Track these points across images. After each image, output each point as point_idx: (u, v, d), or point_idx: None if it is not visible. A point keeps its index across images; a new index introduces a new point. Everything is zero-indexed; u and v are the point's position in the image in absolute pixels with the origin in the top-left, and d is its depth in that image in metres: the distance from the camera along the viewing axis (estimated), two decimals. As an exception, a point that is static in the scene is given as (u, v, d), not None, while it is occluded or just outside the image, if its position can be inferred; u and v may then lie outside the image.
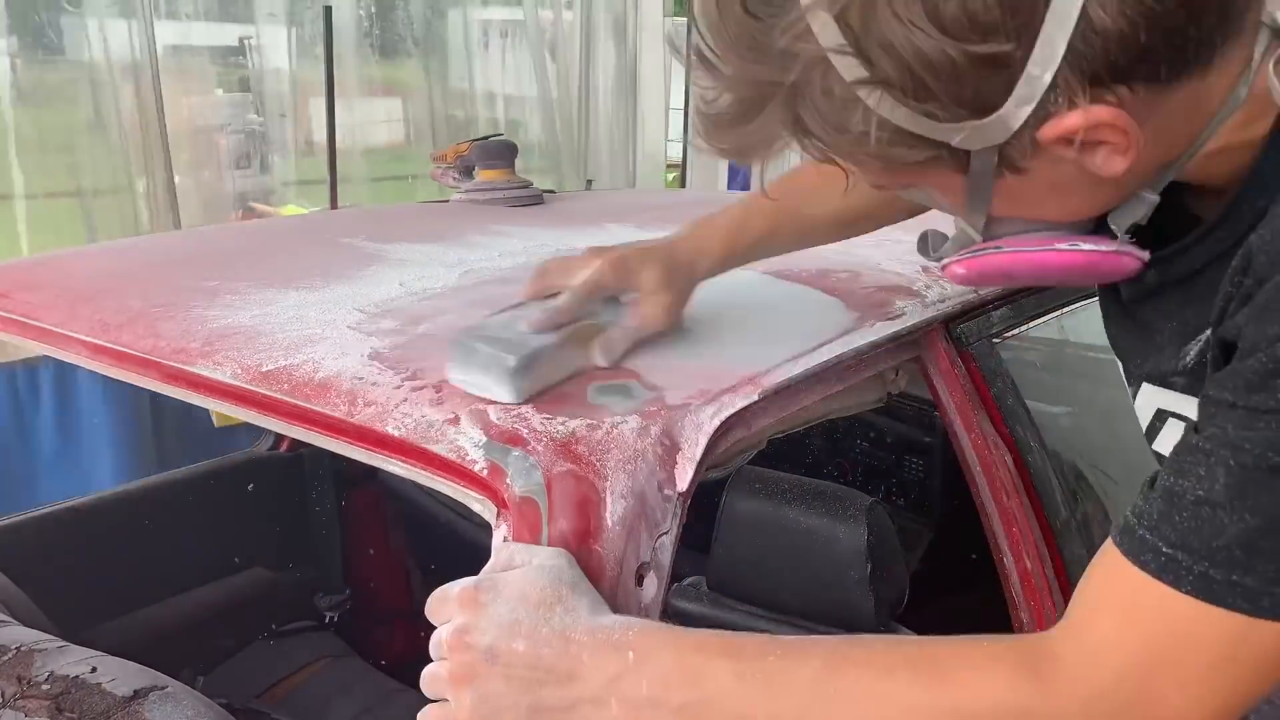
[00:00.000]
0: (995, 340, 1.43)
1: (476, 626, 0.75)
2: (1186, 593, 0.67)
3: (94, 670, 1.05)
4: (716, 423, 0.93)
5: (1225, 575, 0.66)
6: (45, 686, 1.03)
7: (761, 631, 1.47)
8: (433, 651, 0.78)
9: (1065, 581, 1.33)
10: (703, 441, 0.91)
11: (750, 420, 1.00)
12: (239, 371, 1.01)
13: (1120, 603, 0.70)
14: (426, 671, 0.78)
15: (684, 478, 0.89)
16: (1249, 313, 0.69)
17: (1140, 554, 0.69)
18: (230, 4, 3.90)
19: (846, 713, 0.71)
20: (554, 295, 1.01)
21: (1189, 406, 0.82)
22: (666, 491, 0.88)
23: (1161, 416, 0.90)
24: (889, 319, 1.23)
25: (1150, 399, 0.90)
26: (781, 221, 1.13)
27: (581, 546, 0.81)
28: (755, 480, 1.45)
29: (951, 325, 1.35)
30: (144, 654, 1.16)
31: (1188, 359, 0.83)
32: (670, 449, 0.89)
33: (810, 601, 1.41)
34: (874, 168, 0.74)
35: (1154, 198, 0.77)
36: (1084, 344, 1.65)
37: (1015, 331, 1.49)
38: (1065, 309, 1.54)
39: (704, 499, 1.01)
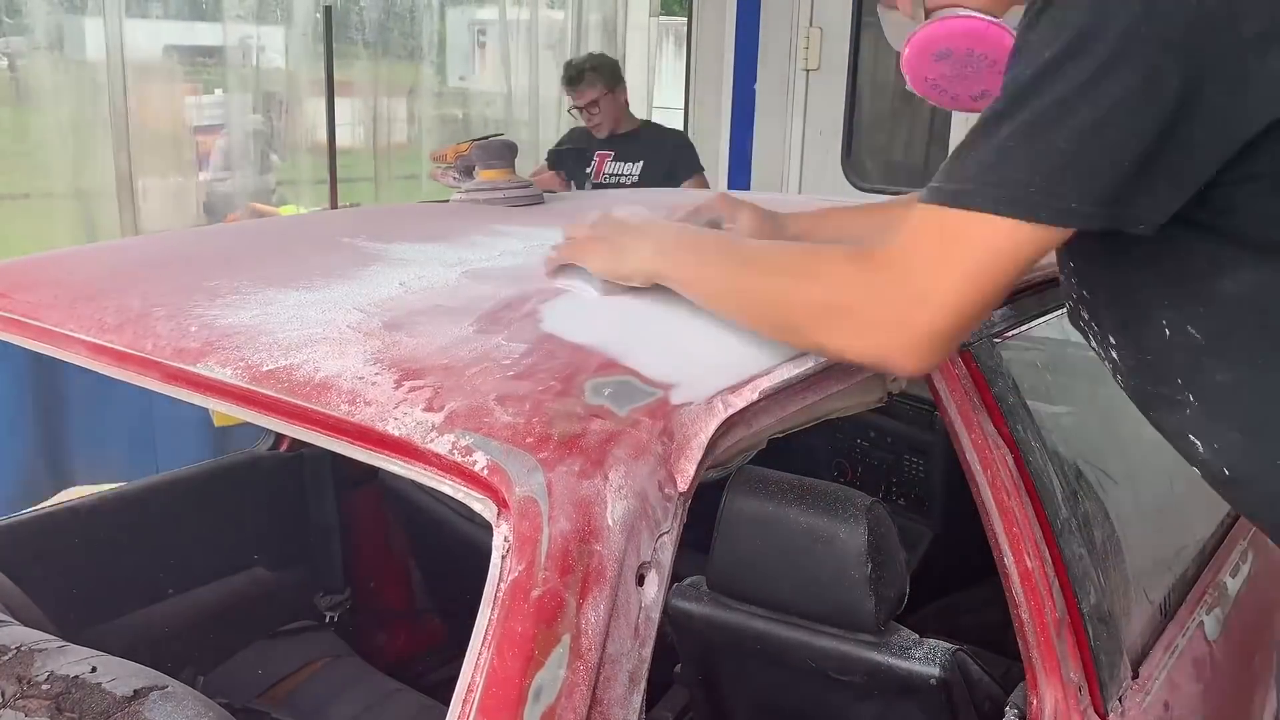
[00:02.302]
0: (995, 340, 1.43)
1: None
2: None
3: (94, 670, 1.05)
4: (717, 422, 0.93)
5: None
6: (45, 686, 1.03)
7: (762, 631, 1.47)
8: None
9: (1066, 580, 1.34)
10: (703, 441, 0.91)
11: (750, 420, 1.00)
12: (239, 371, 1.01)
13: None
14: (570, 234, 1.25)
15: (684, 477, 0.89)
16: None
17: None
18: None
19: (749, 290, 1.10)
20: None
21: None
22: (667, 491, 0.88)
23: None
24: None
25: None
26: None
27: (582, 546, 0.81)
28: (755, 480, 1.45)
29: (952, 325, 1.34)
30: (144, 654, 1.16)
31: None
32: (671, 448, 0.89)
33: (810, 601, 1.41)
34: None
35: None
36: (1085, 343, 1.65)
37: (1015, 331, 1.49)
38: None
39: (704, 499, 1.01)
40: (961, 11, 1.13)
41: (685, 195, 1.89)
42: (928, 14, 1.16)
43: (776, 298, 1.06)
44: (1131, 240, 0.99)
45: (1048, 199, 0.92)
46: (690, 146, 4.24)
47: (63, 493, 2.88)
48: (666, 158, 4.07)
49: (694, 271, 1.12)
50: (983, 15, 1.12)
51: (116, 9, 3.45)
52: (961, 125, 4.45)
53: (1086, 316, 1.20)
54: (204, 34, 3.98)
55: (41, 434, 3.03)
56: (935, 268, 0.96)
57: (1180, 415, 1.12)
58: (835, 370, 1.12)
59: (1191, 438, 1.12)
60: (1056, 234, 0.95)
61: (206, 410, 1.12)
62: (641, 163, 4.06)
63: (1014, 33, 1.02)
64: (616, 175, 4.08)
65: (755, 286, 1.08)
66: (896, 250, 0.99)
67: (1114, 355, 1.17)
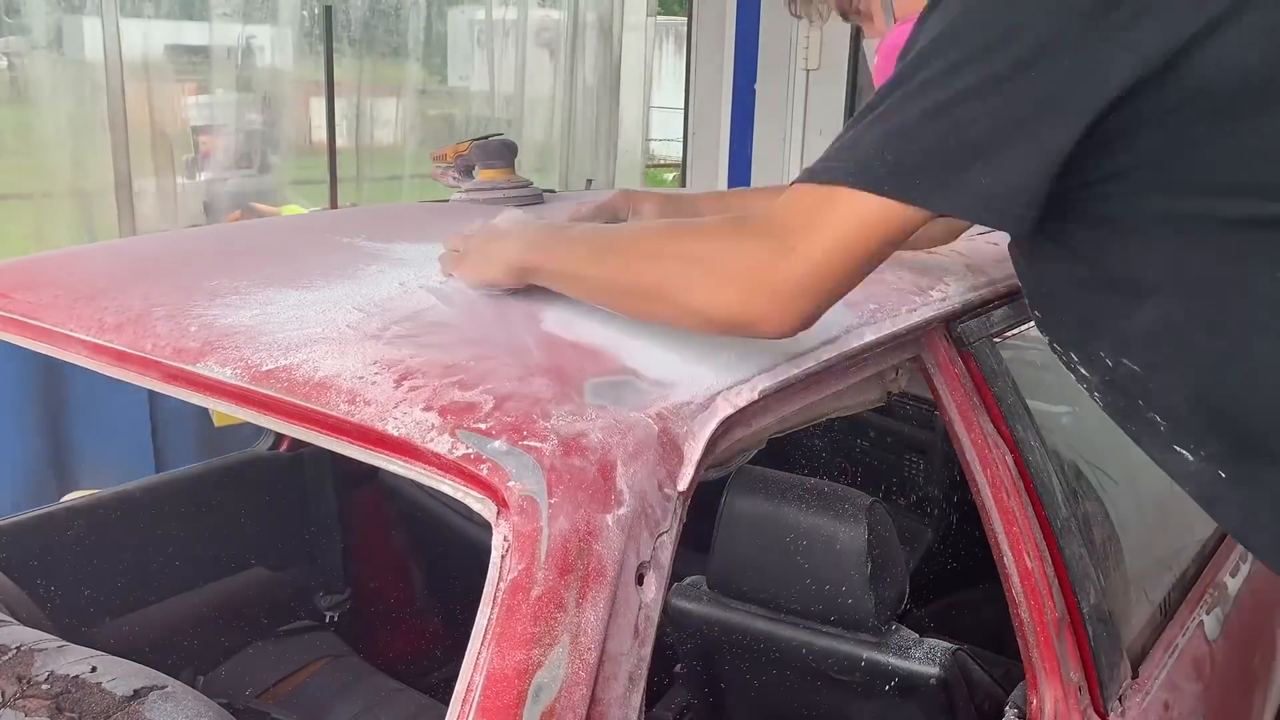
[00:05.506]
0: (995, 339, 1.43)
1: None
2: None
3: (94, 670, 1.05)
4: (716, 422, 0.93)
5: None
6: (45, 686, 1.03)
7: (762, 631, 1.47)
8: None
9: (1066, 580, 1.34)
10: (703, 441, 0.91)
11: (750, 420, 1.00)
12: (239, 371, 1.01)
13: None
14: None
15: (684, 477, 0.89)
16: None
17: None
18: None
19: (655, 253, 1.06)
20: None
21: None
22: (666, 491, 0.88)
23: None
24: (889, 318, 1.23)
25: None
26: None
27: (582, 545, 0.81)
28: (755, 480, 1.45)
29: (951, 324, 1.35)
30: (144, 654, 1.16)
31: None
32: (670, 448, 0.89)
33: (810, 601, 1.41)
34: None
35: None
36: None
37: (1015, 331, 1.49)
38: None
39: (704, 499, 1.01)
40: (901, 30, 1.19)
41: (589, 195, 1.96)
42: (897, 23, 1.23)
43: (645, 267, 1.04)
44: (1063, 273, 1.06)
45: (898, 178, 0.95)
46: None
47: (67, 496, 2.88)
48: None
49: (563, 261, 1.11)
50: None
51: (114, 8, 3.45)
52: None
53: (1048, 337, 1.21)
54: (202, 33, 3.99)
55: (46, 438, 3.01)
56: (805, 228, 0.97)
57: (1155, 432, 1.11)
58: (835, 370, 1.12)
59: (1178, 449, 1.10)
60: (920, 215, 0.97)
61: (206, 411, 1.13)
62: None
63: None
64: None
65: (624, 262, 1.06)
66: (767, 214, 1.00)
67: (1081, 371, 1.17)
